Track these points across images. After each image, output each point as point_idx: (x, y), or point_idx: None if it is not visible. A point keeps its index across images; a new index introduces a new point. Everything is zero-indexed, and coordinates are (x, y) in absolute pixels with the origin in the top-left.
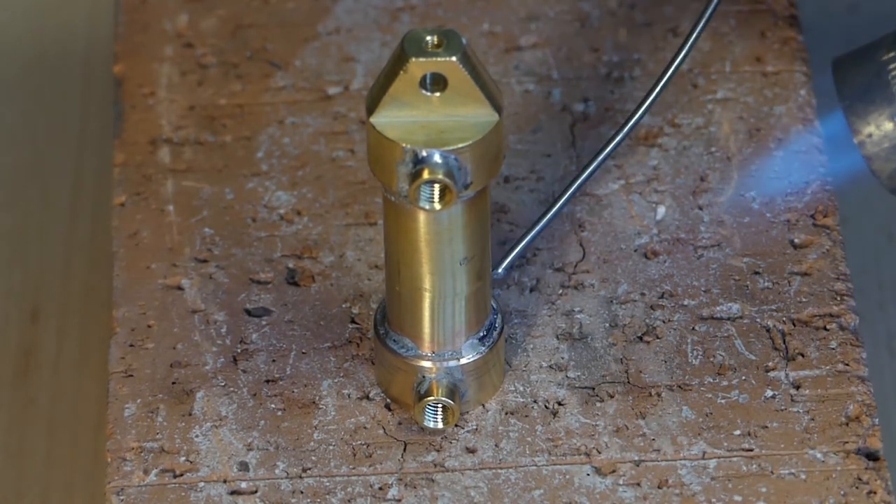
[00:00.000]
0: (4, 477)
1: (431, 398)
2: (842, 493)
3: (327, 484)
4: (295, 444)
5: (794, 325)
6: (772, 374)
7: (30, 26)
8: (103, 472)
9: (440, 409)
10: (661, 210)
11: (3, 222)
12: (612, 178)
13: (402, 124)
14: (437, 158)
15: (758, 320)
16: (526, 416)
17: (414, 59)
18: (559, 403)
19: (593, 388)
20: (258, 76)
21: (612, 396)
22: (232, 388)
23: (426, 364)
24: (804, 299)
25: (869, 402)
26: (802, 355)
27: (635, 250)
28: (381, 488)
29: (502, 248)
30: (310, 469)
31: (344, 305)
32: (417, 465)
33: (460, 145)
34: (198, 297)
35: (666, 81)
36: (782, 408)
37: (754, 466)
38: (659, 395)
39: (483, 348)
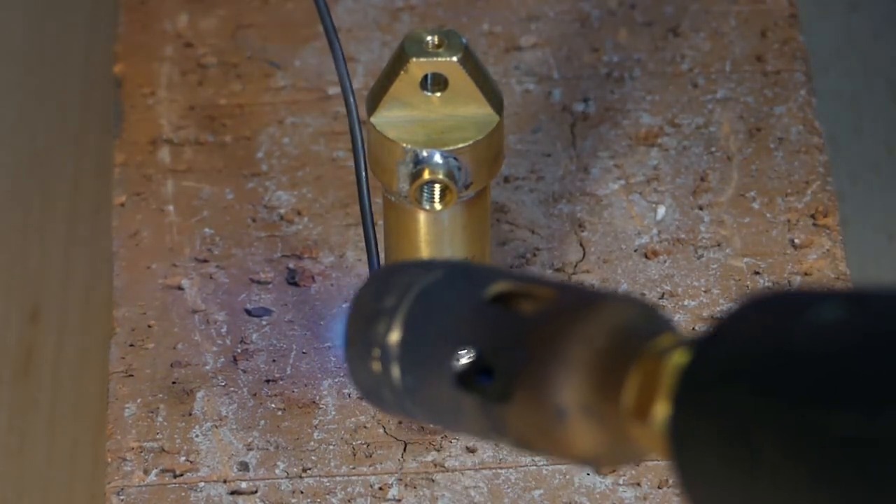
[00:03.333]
0: (4, 477)
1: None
2: None
3: (327, 484)
4: (295, 443)
5: None
6: None
7: (30, 26)
8: (103, 472)
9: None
10: (661, 210)
11: (3, 222)
12: (612, 178)
13: (403, 124)
14: (437, 158)
15: None
16: None
17: (414, 59)
18: None
19: None
20: (258, 76)
21: None
22: (232, 388)
23: None
24: None
25: None
26: None
27: (635, 250)
28: (381, 488)
29: (502, 249)
30: (310, 469)
31: (344, 305)
32: (417, 464)
33: (460, 145)
34: (198, 297)
35: None
36: None
37: None
38: None
39: None
